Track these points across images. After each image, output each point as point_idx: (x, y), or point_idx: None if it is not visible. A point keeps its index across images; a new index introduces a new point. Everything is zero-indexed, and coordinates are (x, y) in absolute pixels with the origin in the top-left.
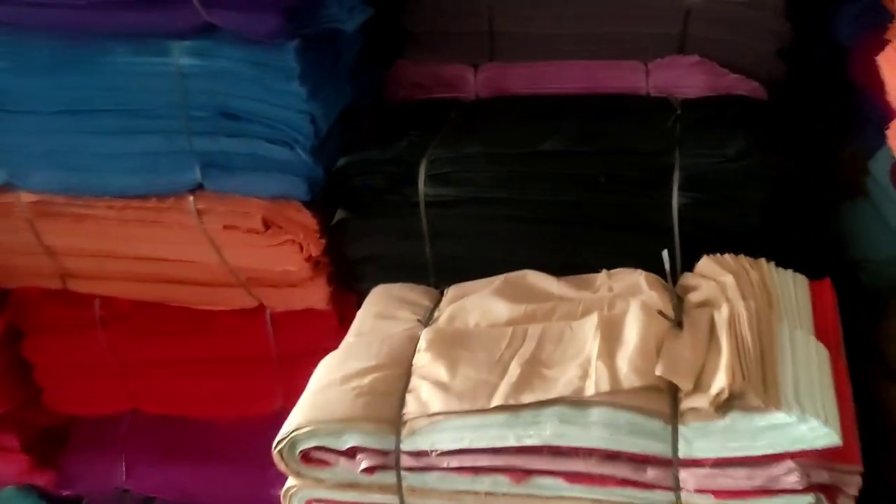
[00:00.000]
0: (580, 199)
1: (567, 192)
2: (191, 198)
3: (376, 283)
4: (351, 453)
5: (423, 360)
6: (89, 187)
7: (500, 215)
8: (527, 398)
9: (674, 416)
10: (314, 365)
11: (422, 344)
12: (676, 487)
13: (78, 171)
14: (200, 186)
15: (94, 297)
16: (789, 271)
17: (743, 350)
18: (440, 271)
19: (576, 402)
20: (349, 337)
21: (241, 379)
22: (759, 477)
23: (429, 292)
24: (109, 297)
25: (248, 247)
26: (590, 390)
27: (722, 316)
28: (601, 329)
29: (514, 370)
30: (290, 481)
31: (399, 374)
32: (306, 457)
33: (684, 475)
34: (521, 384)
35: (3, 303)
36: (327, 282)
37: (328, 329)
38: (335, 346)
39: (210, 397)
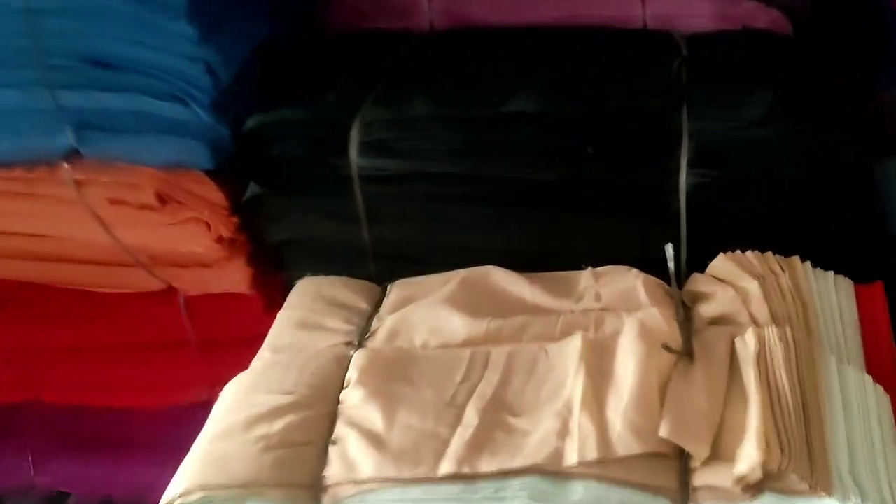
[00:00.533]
0: (558, 175)
1: (541, 167)
2: (66, 166)
3: (304, 270)
4: None
5: (354, 397)
6: None
7: (455, 195)
8: (486, 465)
9: (683, 493)
10: (243, 352)
11: (352, 373)
12: None
13: None
14: (77, 153)
15: None
16: (830, 274)
17: (780, 406)
18: (381, 259)
19: (553, 471)
20: (264, 351)
21: (158, 366)
22: None
23: (367, 290)
24: None
25: (143, 225)
26: (571, 458)
27: (748, 348)
28: (586, 361)
29: (470, 418)
30: None
31: (322, 415)
32: None
33: None
34: (480, 442)
35: None
36: (247, 262)
37: (253, 314)
38: (265, 332)
39: (124, 385)
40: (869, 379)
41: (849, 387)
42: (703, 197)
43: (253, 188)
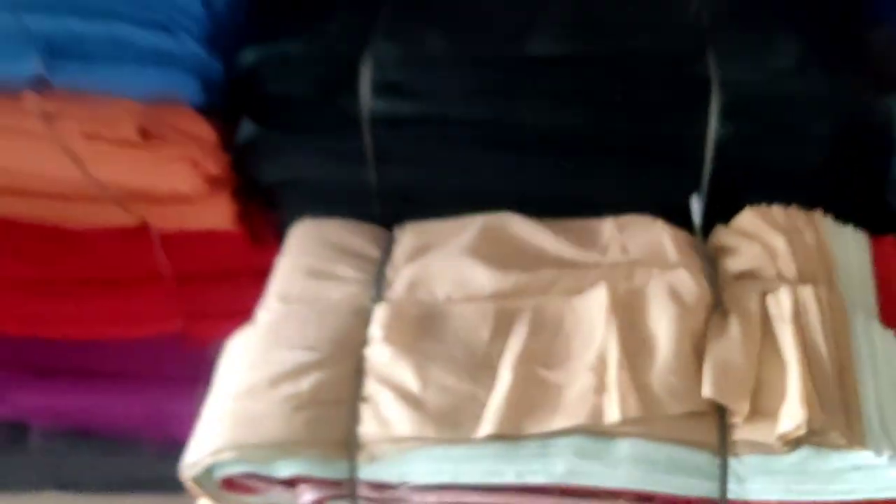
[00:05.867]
0: (581, 121)
1: (563, 112)
2: (33, 96)
3: (300, 210)
4: (288, 482)
5: (381, 355)
6: None
7: (471, 138)
8: (528, 427)
9: (722, 448)
10: (220, 286)
11: (376, 330)
12: None
13: None
14: (48, 83)
15: None
16: (848, 228)
17: (817, 365)
18: (387, 202)
19: (597, 430)
20: (271, 302)
21: (128, 299)
22: None
23: (374, 235)
24: None
25: (121, 161)
26: (613, 415)
27: (782, 307)
28: (616, 315)
29: (505, 376)
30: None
31: (348, 372)
32: (229, 482)
33: None
34: (518, 402)
35: None
36: (231, 199)
37: (237, 249)
38: (246, 267)
39: (90, 318)
40: (891, 335)
41: (877, 346)
42: (730, 147)
43: (247, 126)
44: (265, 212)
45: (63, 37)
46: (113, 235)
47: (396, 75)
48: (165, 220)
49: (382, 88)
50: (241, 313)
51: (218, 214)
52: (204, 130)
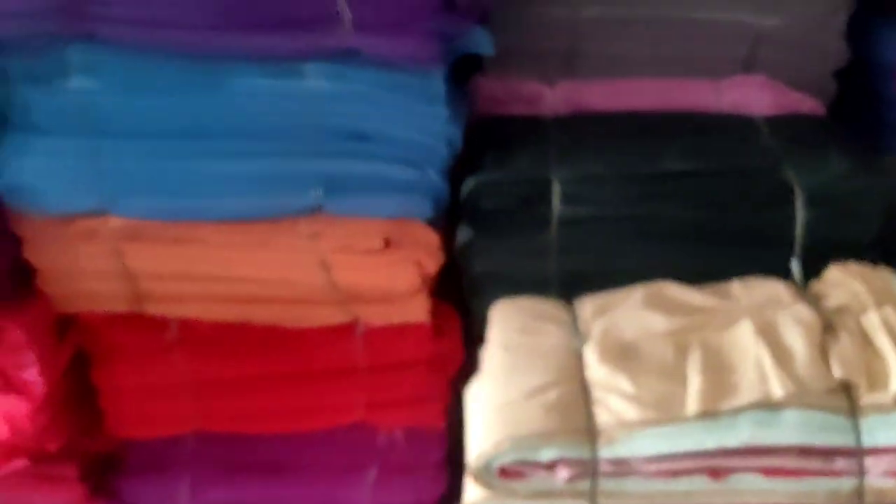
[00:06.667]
0: (709, 216)
1: (695, 210)
2: (306, 220)
3: (493, 299)
4: (548, 465)
5: (601, 373)
6: (194, 211)
7: (630, 232)
8: (724, 405)
9: (853, 411)
10: (402, 377)
11: (591, 357)
12: (861, 473)
13: (183, 195)
14: (320, 209)
15: (170, 320)
16: None
17: None
18: (565, 286)
19: (767, 405)
20: (495, 351)
21: (322, 393)
22: None
23: (560, 305)
24: (188, 319)
25: (362, 267)
26: (778, 393)
27: (873, 321)
28: (762, 336)
29: (694, 378)
30: (478, 493)
31: (576, 388)
32: (502, 471)
33: (870, 462)
34: (710, 391)
35: (69, 328)
36: (429, 294)
37: (422, 341)
38: (428, 359)
39: (286, 413)
40: None
41: None
42: (814, 229)
43: (466, 231)
44: (444, 304)
45: (341, 175)
46: (322, 333)
47: (576, 188)
48: (374, 316)
49: (567, 198)
50: (414, 401)
51: (417, 309)
52: (431, 237)
